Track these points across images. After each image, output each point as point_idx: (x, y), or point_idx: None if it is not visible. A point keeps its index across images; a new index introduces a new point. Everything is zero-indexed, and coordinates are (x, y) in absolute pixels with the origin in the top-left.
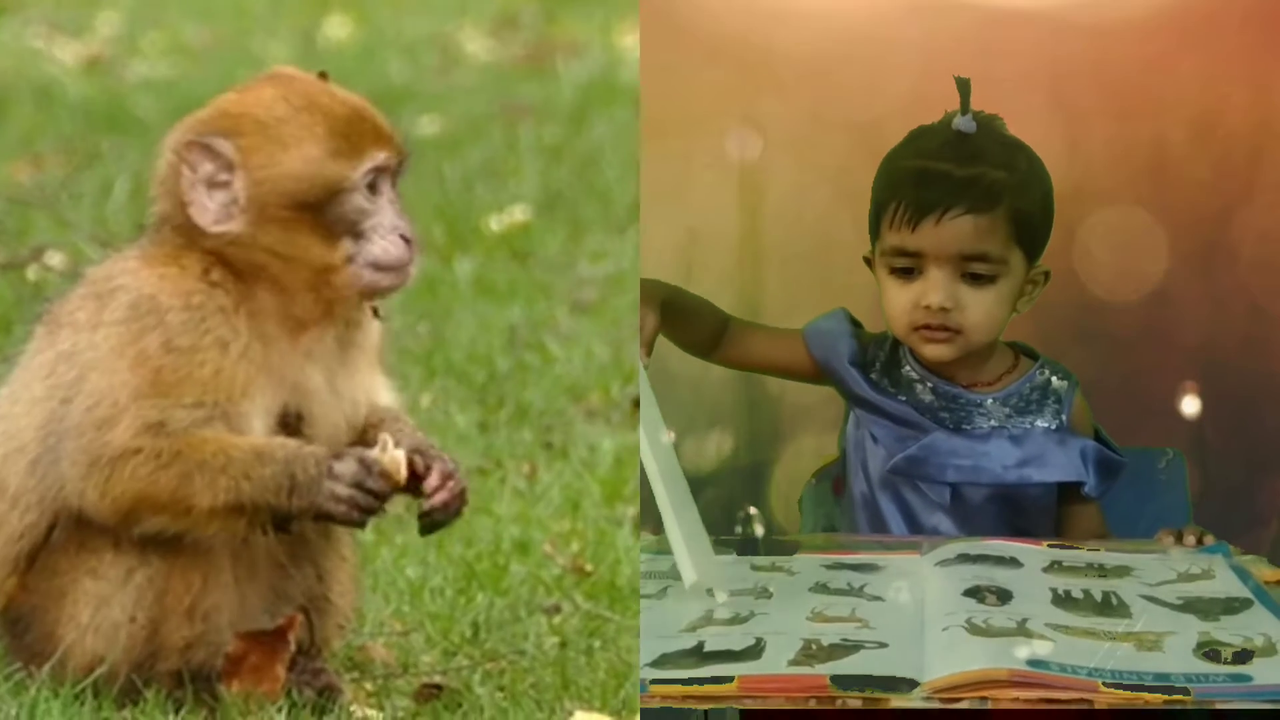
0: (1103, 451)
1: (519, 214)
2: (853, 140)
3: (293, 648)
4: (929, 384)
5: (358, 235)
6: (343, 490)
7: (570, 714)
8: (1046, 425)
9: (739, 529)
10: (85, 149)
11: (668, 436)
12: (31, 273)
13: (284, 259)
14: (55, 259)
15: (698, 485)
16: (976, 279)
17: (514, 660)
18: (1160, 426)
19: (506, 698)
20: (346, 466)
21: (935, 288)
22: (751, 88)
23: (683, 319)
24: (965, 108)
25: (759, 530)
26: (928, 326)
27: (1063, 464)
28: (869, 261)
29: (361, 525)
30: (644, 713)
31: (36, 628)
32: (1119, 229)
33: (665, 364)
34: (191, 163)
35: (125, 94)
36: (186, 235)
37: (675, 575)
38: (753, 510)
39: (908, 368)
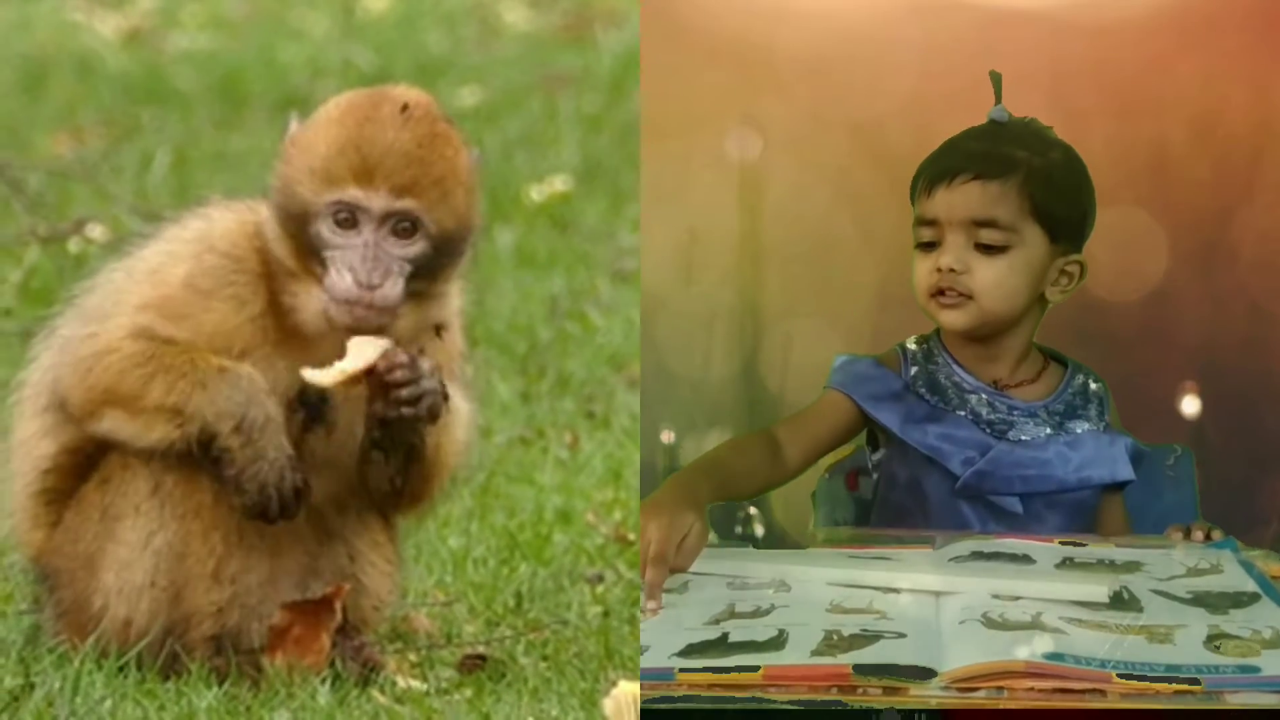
0: (1136, 445)
1: (559, 184)
2: (853, 140)
3: (339, 618)
4: (983, 395)
5: (323, 264)
6: (267, 479)
7: (614, 683)
8: (1093, 428)
9: (739, 529)
10: (125, 121)
11: (668, 437)
12: (73, 245)
13: (277, 259)
14: (96, 231)
15: None
16: (988, 249)
17: (557, 630)
18: (1161, 426)
19: (550, 667)
20: (275, 471)
21: (947, 251)
22: (751, 88)
23: (742, 483)
24: (998, 98)
25: (759, 530)
26: (942, 292)
27: (1114, 462)
28: None
29: (253, 513)
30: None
31: (66, 589)
32: (1119, 229)
33: (665, 364)
34: (289, 127)
35: (165, 66)
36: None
37: (697, 569)
38: (753, 510)
39: (956, 378)
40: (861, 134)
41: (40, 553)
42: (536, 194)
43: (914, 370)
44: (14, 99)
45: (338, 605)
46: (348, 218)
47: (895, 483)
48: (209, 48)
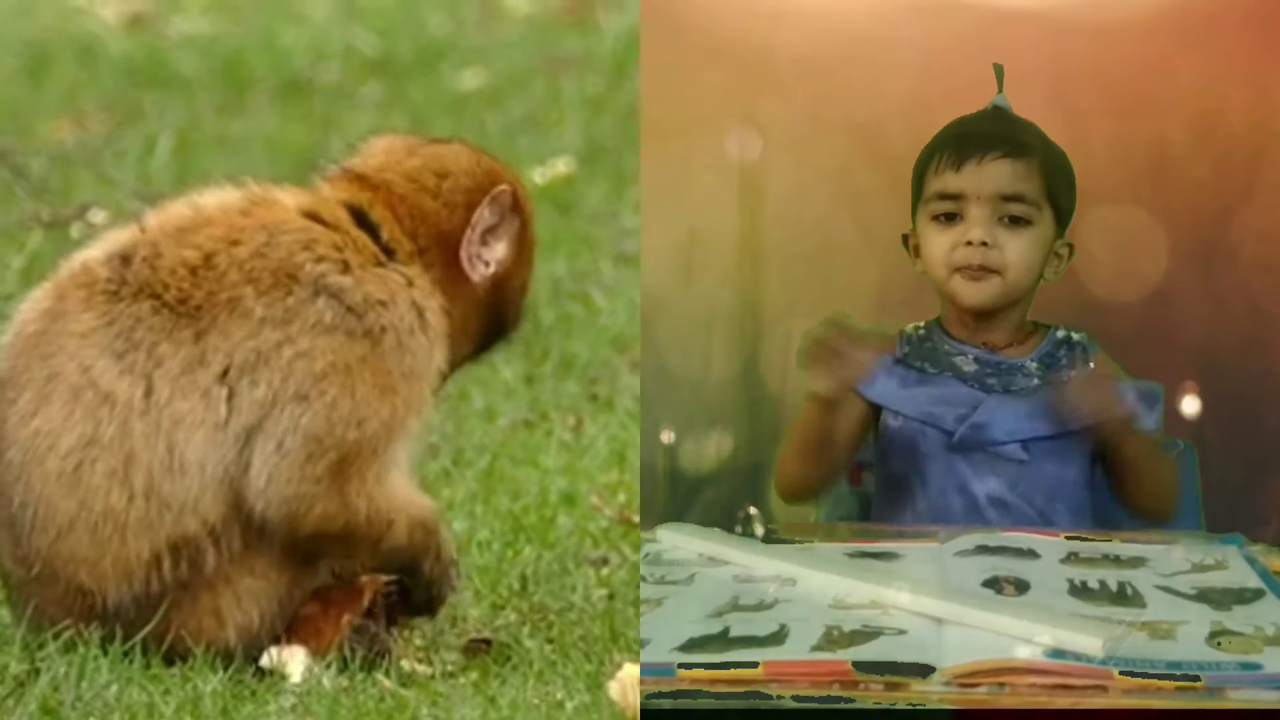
0: (1137, 386)
1: (562, 166)
2: (853, 140)
3: (365, 607)
4: (970, 354)
5: None
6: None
7: (619, 666)
8: (1078, 371)
9: (739, 529)
10: (127, 106)
11: (668, 437)
12: (75, 230)
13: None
14: (99, 216)
15: (698, 485)
16: (1014, 221)
17: (562, 613)
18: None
19: (555, 650)
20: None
21: (975, 224)
22: (751, 88)
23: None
24: (1000, 88)
25: (759, 530)
26: (968, 267)
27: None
28: (906, 240)
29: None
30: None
31: (175, 612)
32: (1119, 229)
33: (665, 364)
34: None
35: (167, 51)
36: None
37: (703, 563)
38: (753, 510)
39: (947, 345)
40: (861, 134)
41: (146, 578)
42: (539, 176)
43: (907, 347)
44: (16, 84)
45: (366, 595)
46: None
47: (892, 451)
48: (211, 32)
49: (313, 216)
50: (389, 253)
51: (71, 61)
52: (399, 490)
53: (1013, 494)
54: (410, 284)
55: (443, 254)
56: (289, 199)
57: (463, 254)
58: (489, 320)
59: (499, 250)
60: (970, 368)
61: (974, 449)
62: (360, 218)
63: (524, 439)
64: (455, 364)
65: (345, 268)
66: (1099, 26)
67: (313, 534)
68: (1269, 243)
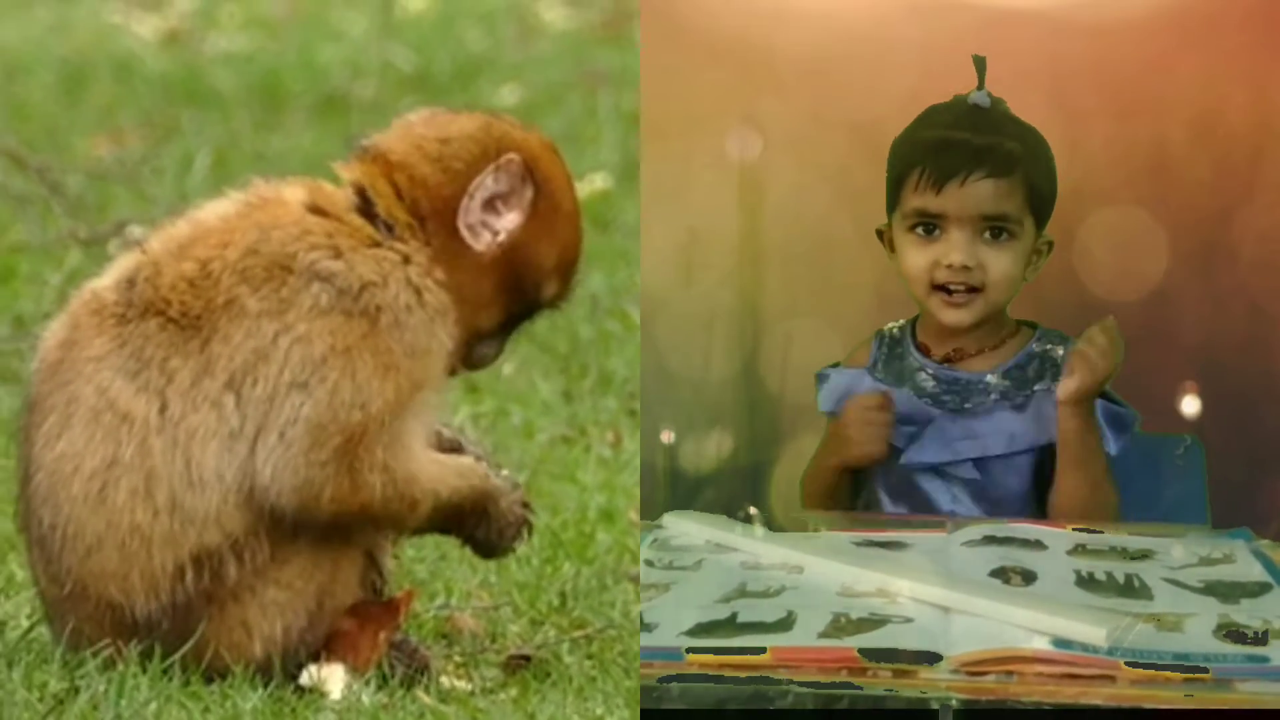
0: (1109, 407)
1: (599, 182)
2: (853, 140)
3: (402, 623)
4: (930, 370)
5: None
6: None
7: None
8: (1045, 387)
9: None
10: (165, 123)
11: (668, 437)
12: (113, 248)
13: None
14: (137, 233)
15: (698, 485)
16: (996, 236)
17: (601, 629)
18: (1161, 426)
19: (595, 666)
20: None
21: (956, 248)
22: (751, 88)
23: None
24: (981, 84)
25: (759, 531)
26: (947, 289)
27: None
28: (881, 235)
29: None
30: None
31: (195, 622)
32: (1119, 229)
33: (665, 364)
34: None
35: (204, 67)
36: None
37: (710, 549)
38: (753, 510)
39: (910, 359)
40: (861, 134)
41: (172, 589)
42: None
43: (881, 354)
44: (53, 102)
45: (403, 614)
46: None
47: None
48: (248, 48)
49: (314, 209)
50: (388, 228)
51: (109, 79)
52: (423, 467)
53: (974, 511)
54: (406, 261)
55: (443, 223)
56: (294, 194)
57: (460, 221)
58: (507, 290)
59: (510, 219)
60: (929, 385)
61: (922, 469)
62: (362, 196)
63: (562, 455)
64: (479, 335)
65: (336, 253)
66: (1099, 26)
67: (332, 517)
68: (1269, 243)
